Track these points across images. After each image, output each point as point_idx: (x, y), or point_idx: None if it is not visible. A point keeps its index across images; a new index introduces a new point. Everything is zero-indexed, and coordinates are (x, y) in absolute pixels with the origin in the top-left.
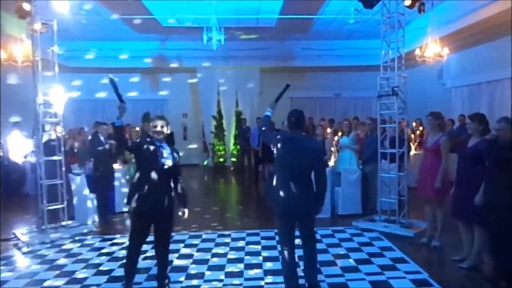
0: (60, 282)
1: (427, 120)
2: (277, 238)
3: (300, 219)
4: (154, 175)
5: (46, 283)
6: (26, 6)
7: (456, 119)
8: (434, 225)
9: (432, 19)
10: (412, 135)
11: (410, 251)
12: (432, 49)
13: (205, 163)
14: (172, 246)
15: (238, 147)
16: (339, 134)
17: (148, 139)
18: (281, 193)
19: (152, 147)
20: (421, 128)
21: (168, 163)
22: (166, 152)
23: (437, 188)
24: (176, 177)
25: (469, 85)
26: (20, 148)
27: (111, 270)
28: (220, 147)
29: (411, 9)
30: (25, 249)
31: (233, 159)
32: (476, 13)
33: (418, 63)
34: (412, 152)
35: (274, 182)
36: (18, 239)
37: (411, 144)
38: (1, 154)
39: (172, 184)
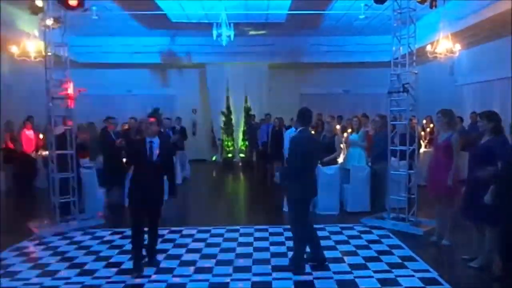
0: (71, 273)
1: (436, 117)
2: (285, 234)
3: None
4: (144, 167)
5: (58, 274)
6: (39, 3)
7: (468, 117)
8: (443, 224)
9: (444, 15)
10: (422, 133)
11: (419, 250)
12: (444, 45)
13: (213, 158)
14: (181, 241)
15: (247, 143)
16: (349, 131)
17: (139, 136)
18: (302, 181)
19: (142, 143)
20: (431, 125)
21: (156, 155)
22: (155, 145)
23: (449, 186)
24: (167, 166)
25: (481, 82)
26: (32, 142)
27: (120, 263)
28: (229, 143)
29: (423, 4)
30: (37, 241)
31: (242, 155)
32: (488, 9)
33: (429, 59)
34: (422, 149)
35: (295, 174)
36: (31, 231)
37: (421, 141)
38: (14, 148)
39: (163, 174)
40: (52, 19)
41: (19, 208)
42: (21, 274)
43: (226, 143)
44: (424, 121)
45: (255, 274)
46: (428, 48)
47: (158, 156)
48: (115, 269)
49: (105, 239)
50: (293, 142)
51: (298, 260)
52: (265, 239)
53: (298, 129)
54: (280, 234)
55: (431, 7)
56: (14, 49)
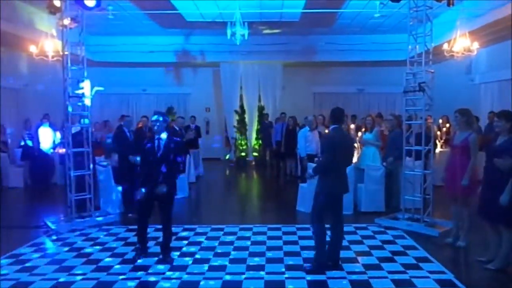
0: (87, 269)
1: (454, 117)
2: (298, 233)
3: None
4: (152, 162)
5: (74, 270)
6: (57, 2)
7: (486, 116)
8: (460, 225)
9: (462, 12)
10: (438, 132)
11: (434, 251)
12: (461, 43)
13: (227, 157)
14: (194, 239)
15: (260, 141)
16: (362, 130)
17: (148, 133)
18: (335, 177)
19: (151, 140)
20: (447, 125)
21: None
22: (162, 141)
23: (464, 186)
24: (172, 160)
25: (499, 81)
26: (49, 140)
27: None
28: (242, 142)
29: (440, 2)
30: (54, 237)
31: (255, 154)
32: (507, 6)
33: (446, 58)
34: (438, 149)
35: (332, 172)
36: (48, 227)
37: (437, 141)
38: (32, 145)
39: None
40: (69, 18)
41: (36, 204)
42: (38, 270)
43: (239, 141)
44: (440, 121)
45: (268, 273)
46: (445, 46)
47: (162, 150)
48: (130, 266)
49: (120, 235)
50: (327, 139)
51: (321, 259)
52: (278, 238)
53: (331, 127)
54: (293, 233)
55: (448, 4)
56: (32, 49)
